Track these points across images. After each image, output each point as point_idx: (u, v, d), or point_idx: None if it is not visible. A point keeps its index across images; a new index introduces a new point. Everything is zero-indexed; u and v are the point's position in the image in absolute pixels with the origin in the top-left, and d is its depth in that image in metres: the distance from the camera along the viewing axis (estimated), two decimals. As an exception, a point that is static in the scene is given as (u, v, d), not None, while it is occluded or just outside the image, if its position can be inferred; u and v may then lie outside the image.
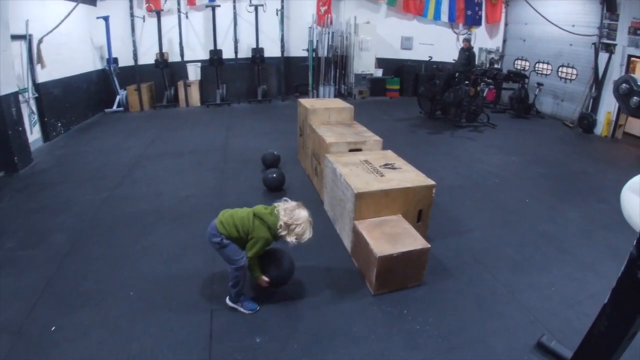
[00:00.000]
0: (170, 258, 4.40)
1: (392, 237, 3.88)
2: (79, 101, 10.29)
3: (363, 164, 4.74)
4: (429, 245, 3.88)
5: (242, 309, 3.56)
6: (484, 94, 11.30)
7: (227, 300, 3.60)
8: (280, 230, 3.30)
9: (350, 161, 4.80)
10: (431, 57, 12.72)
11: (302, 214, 3.34)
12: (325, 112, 6.24)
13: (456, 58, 11.84)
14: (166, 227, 5.02)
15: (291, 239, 3.32)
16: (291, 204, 3.39)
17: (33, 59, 8.16)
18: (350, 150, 5.34)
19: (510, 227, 5.43)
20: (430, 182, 4.42)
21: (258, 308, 3.60)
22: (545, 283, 4.22)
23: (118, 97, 11.65)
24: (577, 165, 8.19)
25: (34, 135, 8.14)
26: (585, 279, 4.32)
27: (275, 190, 5.98)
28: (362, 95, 13.69)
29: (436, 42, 14.43)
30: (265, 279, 3.53)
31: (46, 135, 8.66)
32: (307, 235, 3.37)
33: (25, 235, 4.76)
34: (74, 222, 5.07)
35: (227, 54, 12.25)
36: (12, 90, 6.82)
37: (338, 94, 13.38)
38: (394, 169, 4.67)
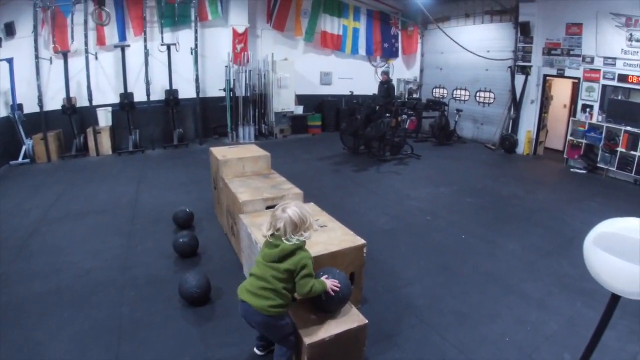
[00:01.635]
0: (69, 357, 3.53)
1: (323, 315, 3.19)
2: None
3: None
4: (367, 321, 3.22)
5: None
6: (406, 125, 11.05)
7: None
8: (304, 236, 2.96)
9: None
10: (352, 92, 12.36)
11: (298, 209, 2.99)
12: (238, 162, 5.48)
13: (376, 91, 11.53)
14: (65, 313, 4.12)
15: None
16: (284, 212, 2.96)
17: None
18: (268, 208, 4.57)
19: (450, 271, 4.96)
20: (360, 241, 3.80)
21: None
22: (498, 334, 3.83)
23: (24, 148, 10.34)
24: (506, 190, 8.04)
25: None
26: (538, 319, 4.04)
27: (189, 256, 5.15)
28: (284, 134, 13.11)
29: (355, 76, 14.22)
30: (333, 282, 3.13)
31: None
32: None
33: None
34: None
35: (140, 96, 11.29)
36: None
37: (259, 134, 12.74)
38: (318, 227, 4.00)
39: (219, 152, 5.89)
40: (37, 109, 10.45)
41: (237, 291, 3.02)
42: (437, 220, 6.45)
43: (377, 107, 9.99)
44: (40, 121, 10.42)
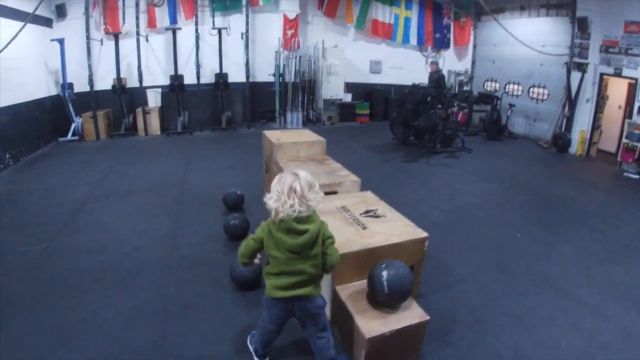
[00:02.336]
0: (113, 335, 3.48)
1: (383, 309, 3.06)
2: (30, 130, 9.31)
3: (341, 212, 3.91)
4: (428, 317, 3.07)
5: None
6: (455, 117, 10.74)
7: None
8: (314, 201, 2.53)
9: (326, 209, 3.91)
10: (414, 83, 11.70)
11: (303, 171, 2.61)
12: (293, 146, 5.38)
13: (426, 82, 11.22)
14: (109, 291, 4.06)
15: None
16: (281, 182, 2.52)
17: None
18: (325, 194, 4.45)
19: (505, 270, 4.75)
20: (422, 234, 3.62)
21: None
22: (553, 339, 3.65)
23: (73, 125, 10.60)
24: (560, 190, 7.67)
25: None
26: (593, 326, 3.84)
27: (239, 238, 4.97)
28: (332, 121, 12.96)
29: (405, 66, 13.86)
30: None
31: None
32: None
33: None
34: (4, 284, 4.13)
35: (190, 79, 11.33)
36: None
37: (306, 120, 12.63)
38: (377, 217, 3.85)
39: (273, 135, 5.81)
40: (87, 88, 10.67)
41: (268, 294, 2.71)
42: (491, 216, 6.21)
43: (429, 98, 9.70)
44: (90, 100, 10.61)
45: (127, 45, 10.89)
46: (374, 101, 13.65)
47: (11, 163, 8.40)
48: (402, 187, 7.25)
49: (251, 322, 3.61)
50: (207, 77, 11.69)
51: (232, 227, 4.93)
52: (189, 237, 5.23)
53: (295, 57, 11.98)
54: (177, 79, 11.05)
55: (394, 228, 3.63)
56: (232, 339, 3.46)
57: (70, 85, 10.47)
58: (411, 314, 3.03)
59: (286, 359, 3.28)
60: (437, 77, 10.53)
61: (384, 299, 3.03)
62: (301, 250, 2.52)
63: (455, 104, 10.35)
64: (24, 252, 4.76)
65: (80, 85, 10.65)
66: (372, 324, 2.89)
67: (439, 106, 9.53)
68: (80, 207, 6.12)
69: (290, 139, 5.59)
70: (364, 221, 3.72)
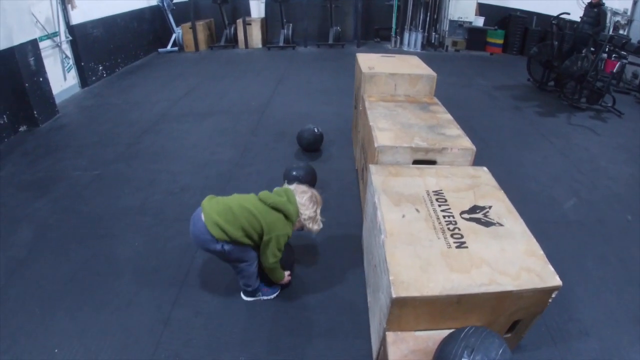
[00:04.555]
0: (119, 303, 2.77)
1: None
2: (127, 41, 9.05)
3: (428, 204, 2.33)
4: None
5: (264, 297, 2.77)
6: (603, 67, 8.21)
7: (243, 296, 2.78)
8: (306, 221, 2.49)
9: (408, 192, 2.42)
10: (568, 14, 9.00)
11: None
12: (389, 79, 3.75)
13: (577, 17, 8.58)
14: (136, 242, 3.37)
15: (315, 226, 2.54)
16: (304, 188, 2.56)
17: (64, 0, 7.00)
18: (416, 162, 2.92)
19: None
20: (553, 280, 1.88)
21: (279, 289, 2.82)
22: None
23: (174, 36, 10.16)
24: None
25: (68, 81, 7.17)
26: None
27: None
28: (456, 48, 10.79)
29: None
30: (287, 274, 2.77)
31: (84, 80, 7.61)
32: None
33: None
34: (47, 213, 3.80)
35: (296, -13, 10.00)
36: (29, 38, 5.77)
37: (426, 43, 10.68)
38: (488, 223, 2.22)
39: (367, 60, 4.25)
40: (187, -2, 10.07)
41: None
42: None
43: (584, 37, 7.36)
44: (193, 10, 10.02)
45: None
46: (510, 30, 10.99)
47: (104, 75, 8.26)
48: (532, 151, 5.28)
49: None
50: (317, -14, 10.23)
51: (292, 178, 3.63)
52: (247, 180, 4.25)
53: (420, -34, 9.92)
54: (280, -14, 9.75)
55: (510, 256, 2.00)
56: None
57: None
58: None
59: None
60: (597, 12, 7.97)
61: None
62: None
63: (607, 50, 7.75)
64: (76, 178, 4.38)
65: None
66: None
67: (592, 49, 7.17)
68: (149, 128, 5.62)
69: (388, 68, 3.97)
70: (464, 229, 2.14)
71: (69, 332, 2.53)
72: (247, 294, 2.75)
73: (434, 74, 3.92)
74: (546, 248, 3.17)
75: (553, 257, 3.07)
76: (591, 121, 6.56)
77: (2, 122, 5.49)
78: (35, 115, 5.83)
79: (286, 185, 2.56)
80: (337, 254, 3.13)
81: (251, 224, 2.34)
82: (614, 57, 8.15)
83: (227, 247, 2.37)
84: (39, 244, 3.37)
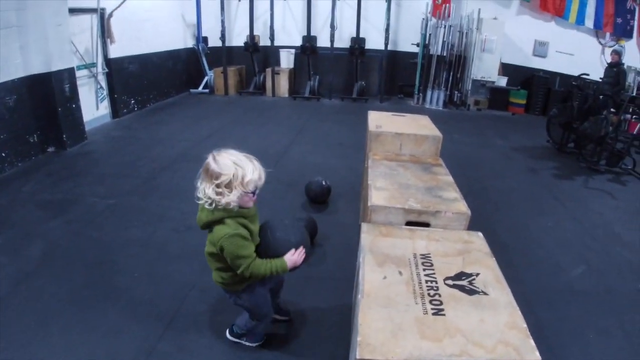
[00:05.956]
0: (109, 329, 2.79)
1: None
2: (161, 79, 9.47)
3: (413, 267, 2.30)
4: None
5: (247, 344, 2.71)
6: (627, 128, 8.16)
7: (228, 334, 2.74)
8: (231, 202, 2.10)
9: (395, 253, 2.39)
10: (587, 74, 9.09)
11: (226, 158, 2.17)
12: (395, 138, 3.84)
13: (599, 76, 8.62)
14: (136, 273, 3.46)
15: (245, 190, 2.12)
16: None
17: (105, 34, 7.51)
18: (409, 224, 2.84)
19: None
20: (532, 356, 1.74)
21: (264, 339, 2.74)
22: None
23: (206, 78, 10.55)
24: None
25: (100, 111, 7.64)
26: None
27: None
28: (478, 107, 10.81)
29: (577, 52, 10.91)
30: (296, 254, 2.30)
31: (115, 112, 8.04)
32: (252, 172, 2.18)
33: (6, 237, 3.88)
34: (59, 233, 4.01)
35: (325, 42, 10.25)
36: (67, 66, 6.16)
37: (449, 101, 10.74)
38: (471, 293, 2.14)
39: (376, 118, 4.34)
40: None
41: None
42: None
43: (601, 97, 7.36)
44: (226, 55, 10.46)
45: (264, 3, 10.27)
46: (534, 90, 10.99)
47: (136, 109, 8.61)
48: (543, 215, 5.17)
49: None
50: (344, 42, 10.45)
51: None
52: None
53: (445, 27, 10.14)
54: (308, 40, 10.05)
55: (489, 327, 1.93)
56: None
57: (205, 39, 10.43)
58: None
59: None
60: (616, 72, 7.99)
61: None
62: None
63: (631, 110, 7.71)
64: (91, 204, 4.59)
65: (217, 40, 10.44)
66: None
67: (612, 110, 7.15)
68: (168, 165, 5.80)
69: (395, 127, 4.04)
70: (445, 296, 2.07)
71: (57, 349, 2.60)
72: (232, 333, 2.73)
73: (440, 134, 3.98)
74: (546, 318, 3.15)
75: (552, 328, 3.08)
76: (609, 184, 6.48)
77: (32, 140, 5.82)
78: (64, 139, 6.16)
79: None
80: (327, 310, 3.12)
81: (211, 245, 2.23)
82: (635, 118, 8.08)
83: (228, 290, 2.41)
84: (47, 261, 3.50)
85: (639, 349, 2.98)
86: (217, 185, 2.07)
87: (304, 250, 2.34)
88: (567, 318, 3.26)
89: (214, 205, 2.10)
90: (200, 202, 2.16)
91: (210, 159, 2.13)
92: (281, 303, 2.88)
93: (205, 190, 2.11)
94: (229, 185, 2.08)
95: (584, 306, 3.46)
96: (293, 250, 2.29)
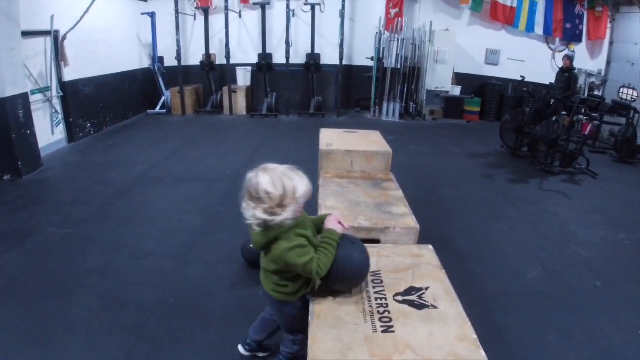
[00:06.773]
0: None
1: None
2: (118, 101, 9.35)
3: (363, 286, 2.34)
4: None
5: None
6: (580, 129, 8.55)
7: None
8: (287, 220, 2.01)
9: None
10: (524, 78, 9.60)
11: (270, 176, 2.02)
12: (345, 156, 3.95)
13: (552, 81, 9.00)
14: (94, 304, 3.39)
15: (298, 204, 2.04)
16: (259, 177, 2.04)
17: (59, 57, 7.36)
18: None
19: None
20: None
21: None
22: None
23: (163, 99, 10.46)
24: None
25: (55, 136, 7.47)
26: None
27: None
28: (434, 117, 11.05)
29: (528, 59, 11.37)
30: (334, 218, 2.31)
31: (71, 136, 7.87)
32: (301, 185, 2.05)
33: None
34: (16, 265, 3.93)
35: (281, 58, 10.33)
36: (20, 91, 6.01)
37: (405, 113, 10.98)
38: (421, 308, 2.21)
39: (328, 136, 4.44)
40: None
41: None
42: (610, 289, 3.91)
43: (552, 101, 7.68)
44: (182, 75, 10.37)
45: (220, 21, 10.28)
46: (487, 97, 11.38)
47: (92, 132, 8.46)
48: (499, 221, 5.28)
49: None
50: (300, 58, 10.56)
51: (251, 252, 3.70)
52: (206, 251, 4.28)
53: (398, 40, 10.34)
54: (265, 57, 10.12)
55: (438, 341, 1.99)
56: None
57: (161, 59, 10.38)
58: None
59: None
60: (568, 76, 8.35)
61: None
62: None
63: (583, 112, 8.07)
64: (48, 234, 4.50)
65: (173, 60, 10.36)
66: None
67: (564, 113, 7.47)
68: (125, 190, 5.72)
69: (345, 144, 4.16)
70: (394, 313, 2.15)
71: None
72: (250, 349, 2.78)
73: (389, 150, 4.12)
74: (506, 322, 3.20)
75: (512, 331, 3.13)
76: (564, 185, 6.70)
77: (-14, 169, 5.73)
78: (20, 166, 5.97)
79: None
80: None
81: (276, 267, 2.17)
82: (585, 119, 8.43)
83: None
84: (5, 295, 3.42)
85: (600, 347, 3.08)
86: (270, 207, 1.99)
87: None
88: (526, 320, 3.33)
89: (263, 225, 2.03)
90: (248, 222, 2.07)
91: (253, 180, 2.01)
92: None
93: (256, 215, 2.00)
94: (281, 204, 1.99)
95: (543, 307, 3.55)
96: (331, 217, 2.32)
